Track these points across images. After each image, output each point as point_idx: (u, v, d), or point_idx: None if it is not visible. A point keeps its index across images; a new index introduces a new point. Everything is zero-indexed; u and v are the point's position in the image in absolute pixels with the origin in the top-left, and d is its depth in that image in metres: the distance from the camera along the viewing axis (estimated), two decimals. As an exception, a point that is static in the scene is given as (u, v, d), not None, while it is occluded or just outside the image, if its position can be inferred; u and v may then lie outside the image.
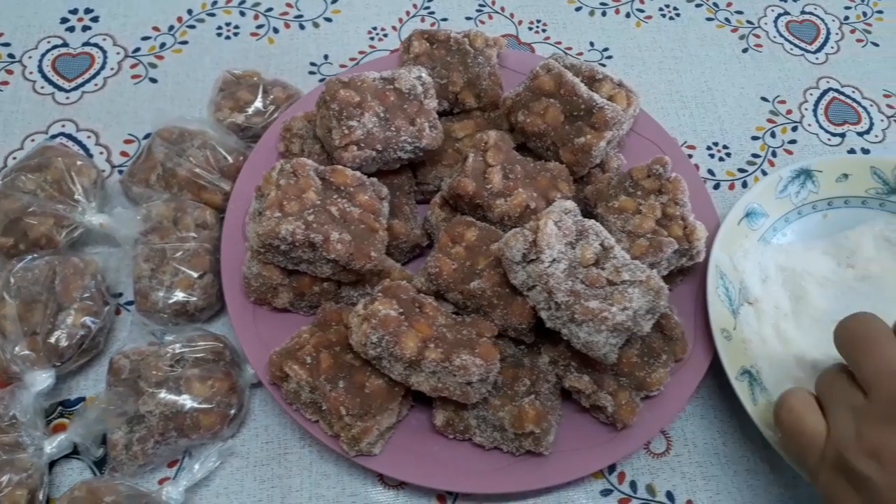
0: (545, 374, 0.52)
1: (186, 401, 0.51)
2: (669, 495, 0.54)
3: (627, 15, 0.79)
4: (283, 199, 0.51)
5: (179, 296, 0.55)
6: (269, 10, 0.76)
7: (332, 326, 0.52)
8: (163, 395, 0.51)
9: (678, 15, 0.79)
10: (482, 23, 0.76)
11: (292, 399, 0.51)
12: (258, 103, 0.64)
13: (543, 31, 0.77)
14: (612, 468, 0.55)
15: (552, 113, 0.59)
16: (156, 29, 0.74)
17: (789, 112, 0.73)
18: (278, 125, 0.62)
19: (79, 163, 0.60)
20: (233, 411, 0.52)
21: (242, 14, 0.75)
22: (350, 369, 0.50)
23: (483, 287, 0.52)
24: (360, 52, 0.73)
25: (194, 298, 0.55)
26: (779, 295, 0.59)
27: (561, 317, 0.49)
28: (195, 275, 0.56)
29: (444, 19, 0.76)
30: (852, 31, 0.80)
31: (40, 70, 0.71)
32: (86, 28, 0.74)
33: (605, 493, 0.54)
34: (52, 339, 0.53)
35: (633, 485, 0.54)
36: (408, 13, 0.77)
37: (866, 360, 0.43)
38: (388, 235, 0.55)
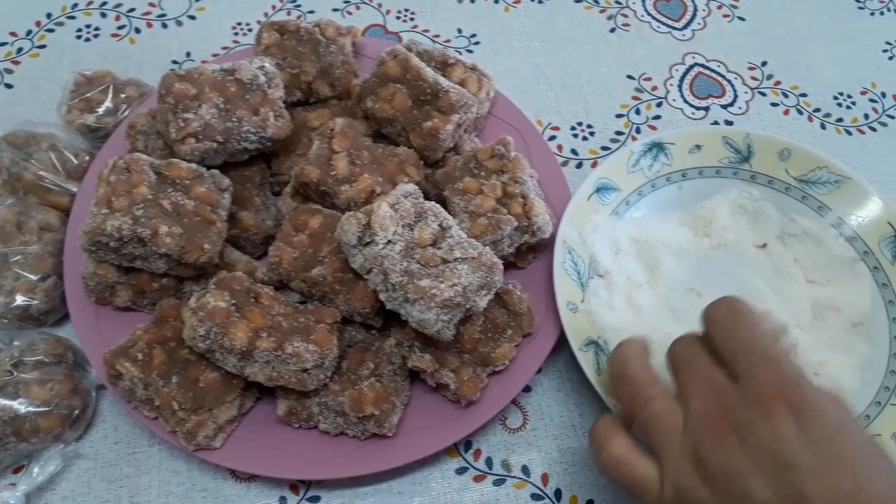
0: (390, 356, 0.52)
1: (23, 405, 0.50)
2: (525, 469, 0.54)
3: (496, 0, 0.79)
4: (111, 195, 0.50)
5: (20, 300, 0.54)
6: (132, 10, 0.75)
7: (169, 322, 0.51)
8: (-1, 400, 0.50)
9: (547, -2, 0.80)
10: (349, 14, 0.76)
11: (129, 397, 0.50)
12: (109, 103, 0.63)
13: (412, 19, 0.77)
14: (468, 446, 0.55)
15: (399, 98, 0.59)
16: (13, 34, 0.73)
17: (654, 89, 0.74)
18: (126, 124, 0.61)
19: (-82, 171, 0.58)
20: (75, 412, 0.52)
21: (104, 16, 0.74)
22: (184, 364, 0.49)
23: (324, 273, 0.52)
24: (224, 48, 0.73)
25: (36, 302, 0.54)
26: (632, 266, 0.60)
27: (397, 297, 0.49)
28: (35, 278, 0.55)
29: (311, 12, 0.76)
30: (719, 7, 0.81)
31: None
32: (-60, 35, 0.72)
33: (461, 471, 0.54)
34: None
35: (488, 461, 0.54)
36: (273, 7, 0.76)
37: (743, 347, 0.42)
38: (231, 227, 0.55)
